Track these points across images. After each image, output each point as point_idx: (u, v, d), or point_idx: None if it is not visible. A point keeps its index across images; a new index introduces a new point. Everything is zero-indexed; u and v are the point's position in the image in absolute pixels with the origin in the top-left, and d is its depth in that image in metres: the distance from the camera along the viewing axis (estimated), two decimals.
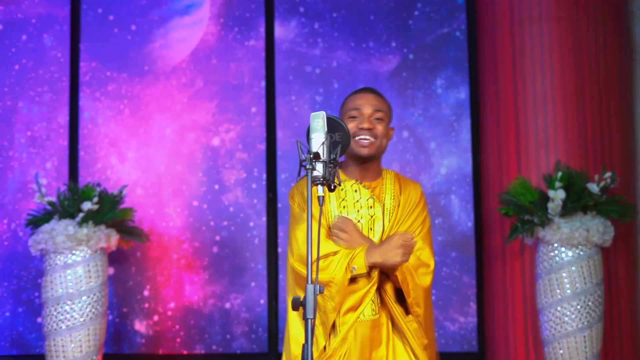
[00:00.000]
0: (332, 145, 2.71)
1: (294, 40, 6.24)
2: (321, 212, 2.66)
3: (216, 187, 6.13)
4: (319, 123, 2.69)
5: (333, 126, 2.78)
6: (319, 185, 2.64)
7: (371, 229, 3.15)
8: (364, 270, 2.97)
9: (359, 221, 3.14)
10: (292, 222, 3.14)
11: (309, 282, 2.52)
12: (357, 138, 3.14)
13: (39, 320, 5.94)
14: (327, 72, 6.22)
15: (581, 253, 5.09)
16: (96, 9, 6.24)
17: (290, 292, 3.13)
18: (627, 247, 5.65)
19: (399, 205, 3.17)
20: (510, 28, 5.83)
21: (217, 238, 6.09)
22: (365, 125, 3.15)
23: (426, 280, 3.05)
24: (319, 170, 2.63)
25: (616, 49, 5.84)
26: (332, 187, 2.69)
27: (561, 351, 5.05)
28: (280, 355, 6.03)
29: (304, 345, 2.52)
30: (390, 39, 6.23)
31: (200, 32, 6.24)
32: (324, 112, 2.72)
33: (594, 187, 5.12)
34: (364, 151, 3.14)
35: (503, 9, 5.84)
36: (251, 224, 6.10)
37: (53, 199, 5.24)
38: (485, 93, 6.02)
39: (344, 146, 2.80)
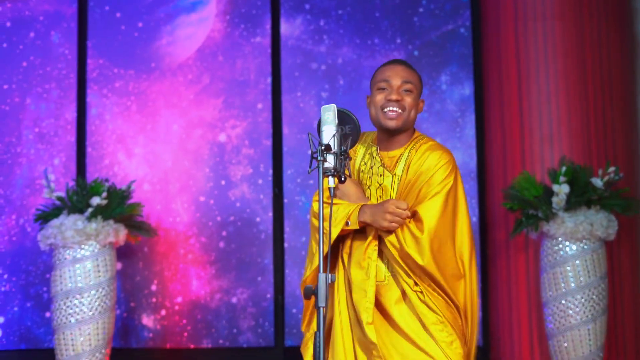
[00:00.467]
0: (342, 137, 2.76)
1: (299, 37, 6.33)
2: (332, 202, 2.70)
3: (223, 182, 6.22)
4: (329, 116, 2.75)
5: (343, 119, 2.83)
6: (330, 177, 2.69)
7: (380, 196, 3.13)
8: (356, 227, 2.97)
9: (368, 187, 3.14)
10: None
11: (321, 271, 2.58)
12: (384, 110, 3.10)
13: (47, 314, 6.03)
14: (333, 68, 6.30)
15: (585, 247, 5.18)
16: (103, 7, 6.33)
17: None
18: (631, 241, 5.75)
19: (407, 173, 3.12)
20: (515, 25, 5.91)
21: (224, 233, 6.17)
22: (393, 97, 3.10)
23: (417, 254, 2.95)
24: (329, 162, 2.68)
25: (618, 46, 5.92)
26: (343, 179, 2.74)
27: (565, 344, 5.14)
28: (286, 348, 6.15)
29: (315, 333, 2.58)
30: (395, 36, 6.31)
31: (206, 29, 6.33)
32: (334, 105, 2.78)
33: (597, 182, 5.21)
34: (391, 123, 3.10)
35: (507, 6, 5.93)
36: (257, 219, 6.19)
37: (62, 194, 5.31)
38: (490, 89, 6.10)
39: (354, 138, 2.84)
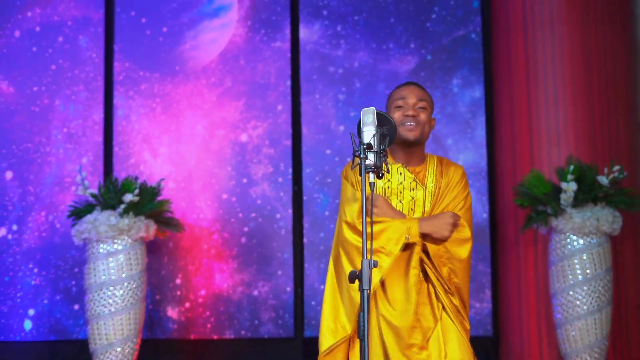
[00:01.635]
0: (381, 137, 3.01)
1: (317, 42, 6.44)
2: (372, 196, 2.96)
3: (244, 180, 6.35)
4: (369, 117, 2.99)
5: (381, 120, 3.07)
6: (370, 173, 2.94)
7: (412, 209, 3.42)
8: (417, 239, 3.26)
9: (400, 201, 3.42)
10: (345, 199, 3.43)
11: (364, 256, 2.83)
12: (404, 124, 3.41)
13: (76, 307, 6.20)
14: (349, 72, 6.41)
15: (592, 241, 5.32)
16: (129, 12, 6.45)
17: (335, 265, 3.42)
18: (634, 236, 5.86)
19: (440, 187, 3.45)
20: (524, 30, 6.00)
21: (246, 229, 6.31)
22: (410, 113, 3.41)
23: (464, 252, 3.36)
24: (370, 159, 2.93)
25: (623, 50, 6.03)
26: (380, 175, 2.99)
27: (573, 333, 5.30)
28: (305, 339, 6.30)
29: (360, 314, 2.82)
30: (409, 41, 6.42)
31: (228, 34, 6.44)
32: (374, 108, 3.01)
33: (603, 180, 5.33)
34: (410, 135, 3.39)
35: (516, 12, 6.02)
36: (278, 215, 6.32)
37: (94, 191, 5.48)
38: (500, 92, 6.20)
39: (391, 138, 3.09)
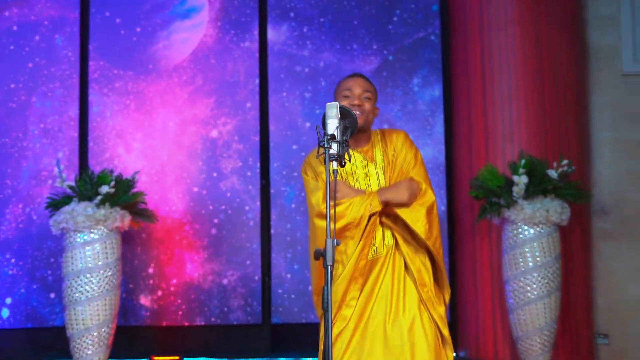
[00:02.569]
0: (343, 129, 3.32)
1: (285, 43, 6.67)
2: (335, 181, 3.27)
3: (214, 174, 6.56)
4: (333, 111, 3.29)
5: (344, 114, 3.37)
6: (334, 161, 3.24)
7: (368, 184, 3.79)
8: (379, 208, 3.62)
9: (356, 180, 3.77)
10: (309, 191, 3.75)
11: (329, 236, 3.14)
12: None
13: (52, 295, 6.36)
14: (315, 71, 6.65)
15: (541, 231, 5.61)
16: (104, 12, 6.63)
17: (311, 249, 3.75)
18: (581, 226, 6.18)
19: (388, 156, 3.81)
20: (480, 33, 6.26)
21: (216, 221, 6.53)
22: (356, 102, 3.80)
23: (421, 211, 3.68)
24: (334, 149, 3.24)
25: (573, 52, 6.30)
26: (343, 163, 3.30)
27: (524, 317, 5.59)
28: (272, 326, 6.55)
29: (323, 287, 3.13)
30: (372, 42, 6.67)
31: (199, 34, 6.65)
32: (337, 103, 3.31)
33: (553, 174, 5.62)
34: (358, 122, 3.71)
35: (473, 16, 6.29)
36: (246, 207, 6.55)
37: (71, 183, 5.66)
38: (457, 91, 6.46)
39: (352, 129, 3.40)
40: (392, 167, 3.81)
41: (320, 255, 3.14)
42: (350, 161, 3.38)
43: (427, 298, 3.68)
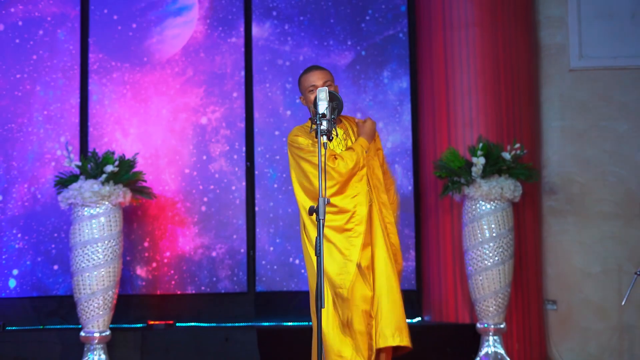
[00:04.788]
0: (332, 109, 3.98)
1: (268, 39, 7.05)
2: (326, 153, 3.95)
3: (204, 157, 6.96)
4: (323, 95, 3.95)
5: (332, 97, 4.03)
6: (324, 136, 3.91)
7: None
8: (367, 143, 4.40)
9: (341, 150, 4.41)
10: (303, 153, 4.39)
11: (321, 195, 3.79)
12: None
13: (55, 267, 6.74)
14: (295, 64, 7.04)
15: (497, 206, 6.10)
16: (102, 10, 6.97)
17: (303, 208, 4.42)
18: (532, 202, 6.68)
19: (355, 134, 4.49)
20: (443, 32, 6.69)
21: (205, 199, 6.93)
22: None
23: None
24: (324, 125, 3.90)
25: (525, 49, 6.74)
26: (330, 138, 3.96)
27: (481, 282, 6.11)
28: (257, 293, 6.93)
29: (316, 238, 3.78)
30: (346, 39, 7.10)
31: (190, 30, 7.01)
32: (327, 88, 3.97)
33: (506, 156, 6.08)
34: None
35: (437, 17, 6.72)
36: (233, 187, 6.94)
37: (79, 163, 6.08)
38: (423, 83, 6.89)
39: (339, 110, 4.06)
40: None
41: (313, 211, 3.80)
42: (337, 136, 4.06)
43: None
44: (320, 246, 3.76)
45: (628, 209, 6.82)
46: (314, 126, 3.93)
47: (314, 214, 3.79)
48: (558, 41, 7.04)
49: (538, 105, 6.96)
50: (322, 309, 3.74)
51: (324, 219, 3.77)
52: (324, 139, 3.89)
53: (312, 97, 4.36)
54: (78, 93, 6.92)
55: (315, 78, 4.41)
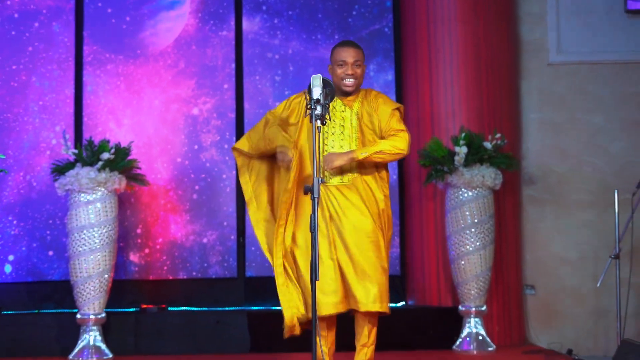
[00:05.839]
0: (325, 95, 4.20)
1: (258, 32, 7.23)
2: (320, 134, 4.16)
3: (195, 147, 7.13)
4: (317, 81, 4.15)
5: (325, 84, 4.25)
6: (318, 120, 4.13)
7: (342, 125, 4.59)
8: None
9: (333, 120, 4.58)
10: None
11: (315, 175, 4.00)
12: (344, 80, 4.57)
13: (50, 253, 6.91)
14: (284, 57, 7.22)
15: (478, 193, 6.33)
16: (97, 3, 7.13)
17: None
18: (512, 190, 6.91)
19: (363, 105, 4.61)
20: (427, 27, 6.88)
21: (197, 187, 7.10)
22: (350, 72, 4.58)
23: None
24: (318, 110, 4.12)
25: (506, 44, 6.95)
26: (324, 122, 4.18)
27: (463, 266, 6.35)
28: (246, 279, 7.11)
29: (311, 215, 3.99)
30: (334, 33, 7.28)
31: (182, 24, 7.18)
32: (320, 75, 4.19)
33: (488, 145, 6.33)
34: (348, 89, 4.60)
35: (421, 12, 6.92)
36: (224, 176, 7.12)
37: (76, 151, 6.24)
38: (407, 76, 7.09)
39: (331, 96, 4.28)
40: (372, 114, 4.60)
41: (308, 190, 4.02)
42: (330, 120, 4.27)
43: None
44: (315, 224, 3.97)
45: (603, 198, 7.03)
46: (309, 111, 4.13)
47: (309, 192, 4.00)
48: (537, 36, 7.27)
49: (518, 98, 7.17)
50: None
51: (318, 197, 3.98)
52: (318, 122, 4.10)
53: (338, 70, 4.56)
54: (73, 84, 7.08)
55: (346, 54, 4.58)
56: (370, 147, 4.56)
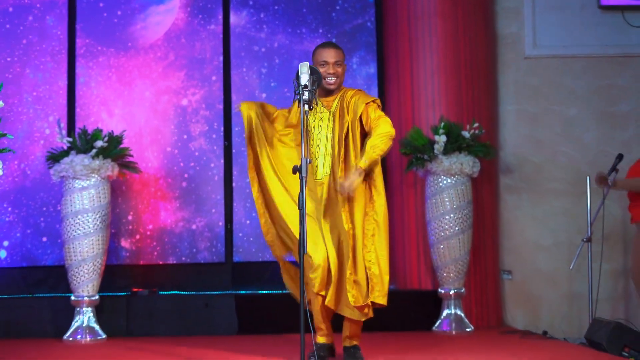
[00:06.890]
0: (312, 82, 4.46)
1: (245, 26, 7.44)
2: (307, 122, 4.44)
3: (185, 137, 7.34)
4: (305, 69, 4.43)
5: (312, 71, 4.52)
6: (306, 105, 4.40)
7: (320, 125, 4.84)
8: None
9: (314, 121, 4.84)
10: None
11: (303, 156, 4.28)
12: (326, 79, 4.84)
13: (44, 239, 7.10)
14: (270, 50, 7.43)
15: (457, 180, 6.56)
16: None
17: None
18: (490, 177, 7.16)
19: (341, 103, 4.83)
20: (408, 21, 7.09)
21: (186, 175, 7.31)
22: (331, 71, 4.86)
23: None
24: (306, 95, 4.38)
25: (484, 38, 7.17)
26: (311, 107, 4.46)
27: (442, 250, 6.59)
28: (234, 264, 7.32)
29: (299, 193, 4.26)
30: (318, 27, 7.49)
31: (172, 18, 7.39)
32: (307, 62, 4.45)
33: (466, 134, 6.55)
34: (330, 87, 4.86)
35: (402, 7, 7.12)
36: (212, 165, 7.32)
37: (70, 139, 6.41)
38: (389, 68, 7.30)
39: (319, 83, 4.55)
40: (344, 111, 4.84)
41: (296, 170, 4.28)
42: (317, 105, 4.54)
43: None
44: (302, 201, 4.24)
45: (577, 186, 7.26)
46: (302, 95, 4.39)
47: (297, 172, 4.27)
48: (514, 31, 7.50)
49: (495, 90, 7.38)
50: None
51: (306, 177, 4.24)
52: (306, 107, 4.38)
53: (321, 70, 4.80)
54: (66, 76, 7.29)
55: (328, 55, 4.84)
56: (365, 151, 4.79)
